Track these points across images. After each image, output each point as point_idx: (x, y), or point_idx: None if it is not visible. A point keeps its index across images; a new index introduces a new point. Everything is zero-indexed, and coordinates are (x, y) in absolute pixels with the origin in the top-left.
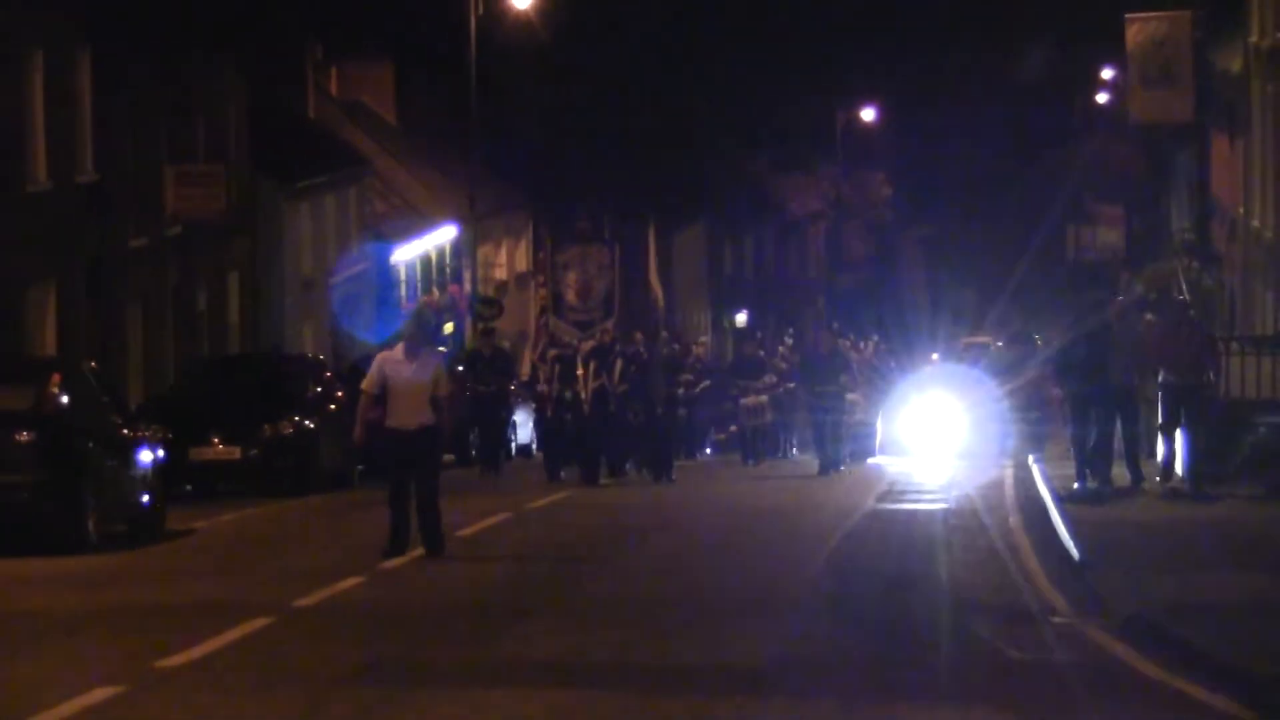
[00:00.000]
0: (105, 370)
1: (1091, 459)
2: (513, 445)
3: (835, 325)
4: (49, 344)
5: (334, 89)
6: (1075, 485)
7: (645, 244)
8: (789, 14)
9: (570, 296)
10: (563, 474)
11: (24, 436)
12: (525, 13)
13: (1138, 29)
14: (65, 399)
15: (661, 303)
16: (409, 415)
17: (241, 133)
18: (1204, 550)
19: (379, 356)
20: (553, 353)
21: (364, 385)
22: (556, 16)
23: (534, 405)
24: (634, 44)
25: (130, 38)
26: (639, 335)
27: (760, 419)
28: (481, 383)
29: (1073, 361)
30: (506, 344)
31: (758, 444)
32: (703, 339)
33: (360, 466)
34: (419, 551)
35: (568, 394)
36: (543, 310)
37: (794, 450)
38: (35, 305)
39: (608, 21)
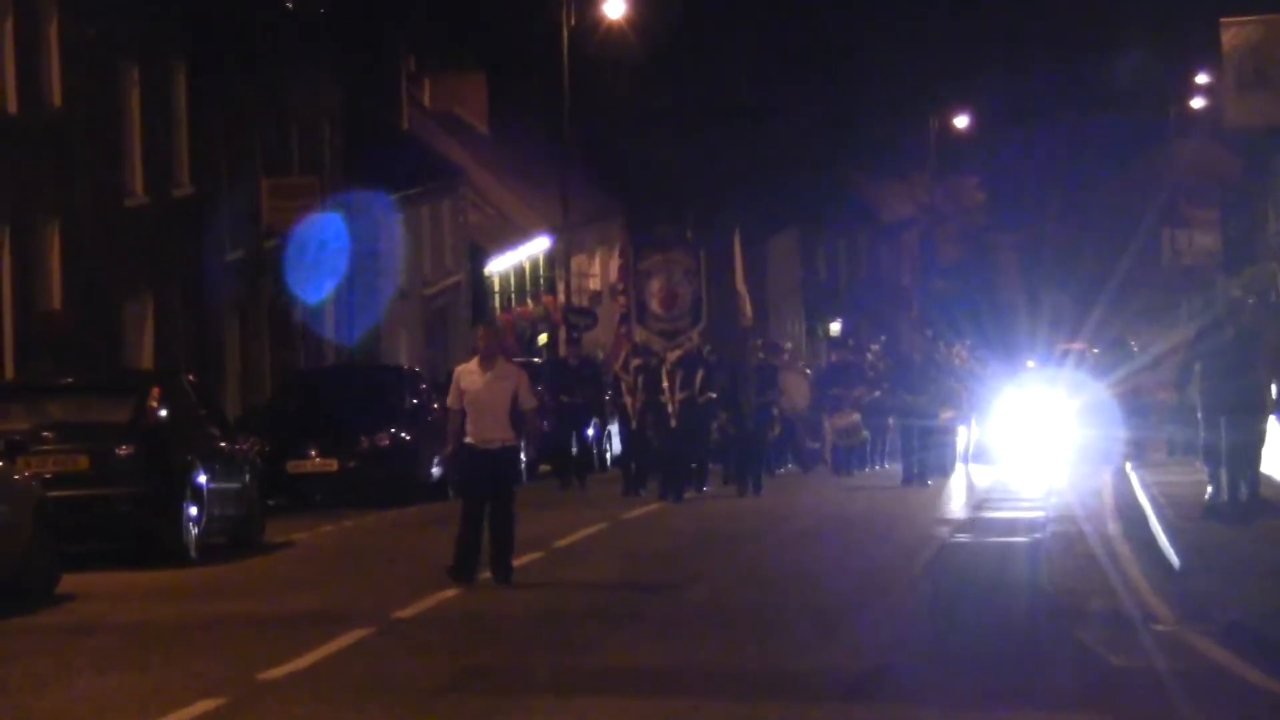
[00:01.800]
0: (202, 382)
1: (1229, 469)
2: (607, 456)
3: (929, 332)
4: (146, 357)
5: (427, 100)
6: (1208, 496)
7: (730, 250)
8: (881, 21)
9: (654, 305)
10: (643, 490)
11: (124, 449)
12: (618, 22)
13: (1233, 33)
14: (164, 412)
15: (750, 310)
16: (488, 430)
17: (336, 145)
18: None
19: (456, 369)
20: (636, 361)
21: (449, 403)
22: (649, 25)
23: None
24: (727, 52)
25: (226, 51)
26: (759, 343)
27: (854, 438)
28: (566, 393)
29: (1206, 363)
30: (601, 354)
31: (849, 456)
32: (787, 345)
33: (457, 478)
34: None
35: (652, 405)
36: (622, 319)
37: (884, 461)
38: (133, 318)
39: (701, 30)
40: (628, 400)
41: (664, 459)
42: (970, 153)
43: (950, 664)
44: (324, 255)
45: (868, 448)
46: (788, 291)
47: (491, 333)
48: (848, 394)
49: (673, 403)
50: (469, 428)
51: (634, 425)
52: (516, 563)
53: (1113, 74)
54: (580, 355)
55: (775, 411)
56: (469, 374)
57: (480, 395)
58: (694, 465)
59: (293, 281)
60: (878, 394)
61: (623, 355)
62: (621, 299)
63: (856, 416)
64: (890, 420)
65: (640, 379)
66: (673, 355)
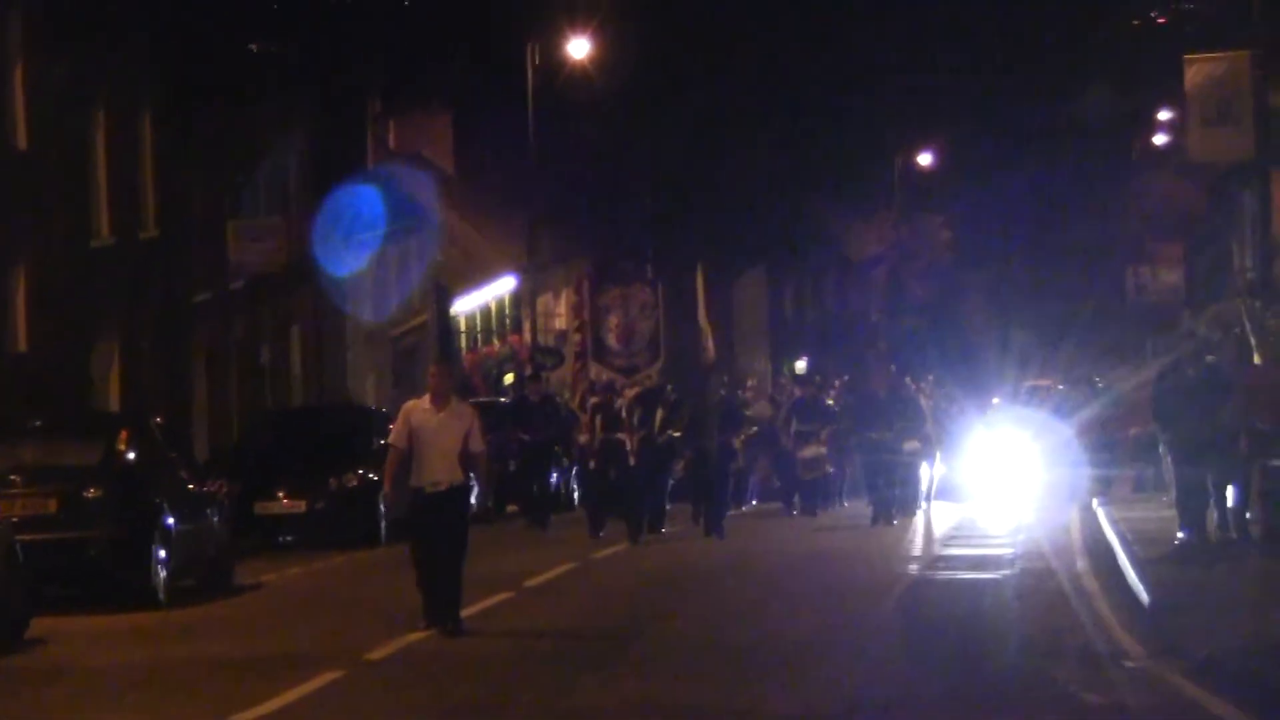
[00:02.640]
0: (170, 424)
1: (1198, 507)
2: (575, 495)
3: (892, 367)
4: (114, 399)
5: (393, 141)
6: (1179, 538)
7: (693, 285)
8: (845, 59)
9: (611, 340)
10: (604, 530)
11: (93, 492)
12: (582, 62)
13: (1196, 69)
14: (133, 454)
15: (712, 346)
16: (438, 472)
17: (303, 186)
18: (1277, 592)
19: (404, 406)
20: (594, 399)
21: (390, 439)
22: (614, 65)
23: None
24: (692, 91)
25: (192, 94)
26: (725, 379)
27: (819, 471)
28: (527, 431)
29: (1172, 401)
30: (567, 393)
31: (815, 494)
32: (750, 382)
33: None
34: (483, 605)
35: (610, 443)
36: (578, 356)
37: (844, 501)
38: (101, 360)
39: (666, 69)
40: (585, 439)
41: (623, 499)
42: (937, 190)
43: (921, 702)
44: (356, 226)
45: (831, 484)
46: (755, 329)
47: (445, 370)
48: (814, 429)
49: (631, 441)
50: (416, 469)
51: (592, 464)
52: (487, 603)
53: (1077, 111)
54: (542, 393)
55: (738, 444)
56: (420, 412)
57: (432, 435)
58: (653, 506)
59: (322, 254)
60: (838, 427)
61: (580, 392)
62: (578, 336)
63: (822, 450)
64: (854, 457)
65: (598, 417)
66: (630, 392)
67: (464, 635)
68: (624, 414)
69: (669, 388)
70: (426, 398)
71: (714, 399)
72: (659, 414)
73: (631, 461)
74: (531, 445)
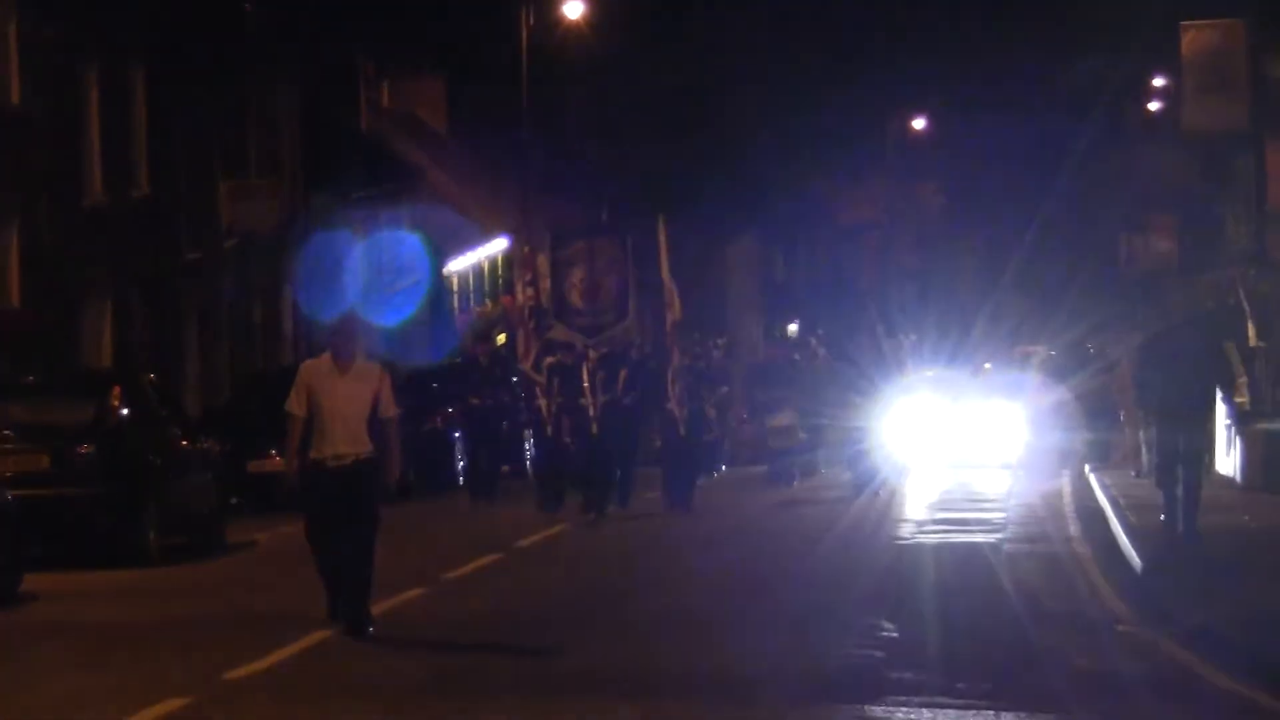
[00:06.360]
0: (162, 382)
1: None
2: (527, 464)
3: (879, 328)
4: (105, 358)
5: (386, 101)
6: (1163, 520)
7: (654, 237)
8: (839, 26)
9: (575, 298)
10: (562, 505)
11: (85, 449)
12: (577, 23)
13: (1192, 37)
14: (126, 412)
15: (678, 304)
16: (341, 443)
17: (295, 146)
18: (1271, 560)
19: (302, 367)
20: (550, 360)
21: (288, 406)
22: (609, 26)
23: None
24: (686, 55)
25: (184, 53)
26: (723, 341)
27: (790, 440)
28: (475, 395)
29: (1160, 370)
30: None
31: (787, 462)
32: (721, 340)
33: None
34: (470, 567)
35: (570, 409)
36: (531, 313)
37: (820, 468)
38: (92, 319)
39: (661, 32)
40: (542, 404)
41: (584, 469)
42: (929, 156)
43: (913, 666)
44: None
45: (806, 451)
46: (748, 294)
47: (350, 323)
48: (782, 396)
49: (593, 406)
50: (316, 440)
51: (549, 431)
52: (474, 565)
53: (1071, 77)
54: (492, 353)
55: (713, 414)
56: (320, 373)
57: (333, 400)
58: (618, 476)
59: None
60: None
61: (533, 354)
62: (529, 291)
63: (794, 418)
64: (826, 423)
65: (556, 381)
66: (595, 354)
67: (369, 639)
68: (587, 377)
69: (635, 346)
70: (326, 356)
71: (682, 362)
72: (622, 376)
73: (593, 429)
74: (480, 411)
